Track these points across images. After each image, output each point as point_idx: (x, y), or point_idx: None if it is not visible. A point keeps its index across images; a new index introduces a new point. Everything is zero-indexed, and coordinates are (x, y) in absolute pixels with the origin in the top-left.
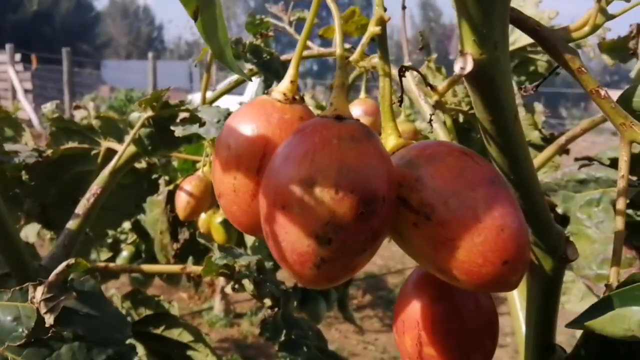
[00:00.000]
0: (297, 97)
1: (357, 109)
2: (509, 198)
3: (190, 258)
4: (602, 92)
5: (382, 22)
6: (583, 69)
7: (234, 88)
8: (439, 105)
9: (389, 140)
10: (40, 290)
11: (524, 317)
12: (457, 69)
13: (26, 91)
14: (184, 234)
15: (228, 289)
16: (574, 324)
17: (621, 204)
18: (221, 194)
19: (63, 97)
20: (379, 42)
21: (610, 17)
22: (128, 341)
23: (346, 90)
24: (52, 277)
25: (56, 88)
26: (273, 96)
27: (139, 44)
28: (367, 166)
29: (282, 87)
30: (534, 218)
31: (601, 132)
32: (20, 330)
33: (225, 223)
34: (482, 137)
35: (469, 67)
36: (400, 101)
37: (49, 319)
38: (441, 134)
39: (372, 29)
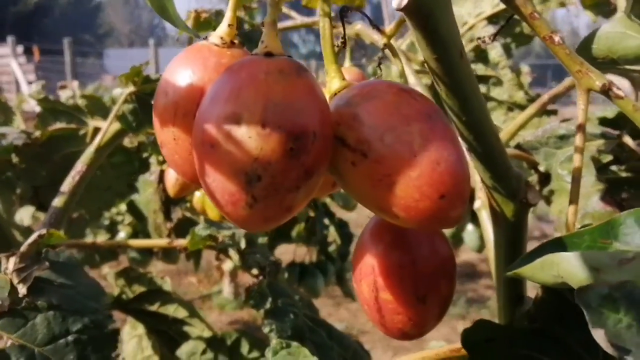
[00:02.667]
0: (235, 41)
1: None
2: (447, 132)
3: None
4: (556, 39)
5: None
6: (535, 14)
7: None
8: (388, 48)
9: (333, 83)
10: (12, 260)
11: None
12: (394, 3)
13: (30, 83)
14: (178, 213)
15: (226, 266)
16: (507, 270)
17: (579, 141)
18: (162, 143)
19: (58, 84)
20: None
21: None
22: (107, 312)
23: (277, 28)
24: (23, 247)
25: (59, 79)
26: (210, 40)
27: (140, 31)
28: (296, 101)
29: (219, 32)
30: (490, 161)
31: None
32: None
33: None
34: (431, 76)
35: (405, 0)
36: (343, 44)
37: (22, 289)
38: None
39: None
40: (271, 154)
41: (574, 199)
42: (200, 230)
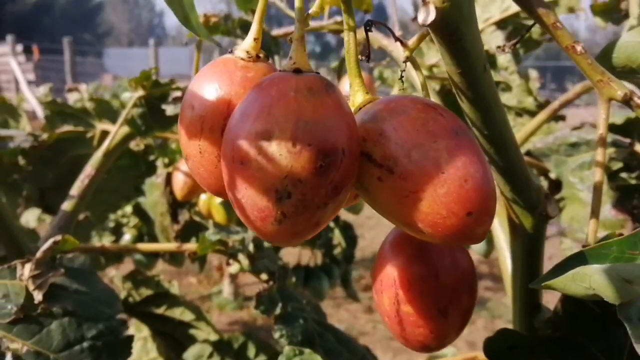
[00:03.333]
0: (260, 55)
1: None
2: (473, 148)
3: (193, 239)
4: (579, 48)
5: None
6: (558, 24)
7: None
8: (410, 61)
9: (357, 97)
10: (28, 267)
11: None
12: (420, 19)
13: (29, 82)
14: (185, 216)
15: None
16: (536, 283)
17: (600, 157)
18: (188, 156)
19: (66, 86)
20: None
21: None
22: (119, 316)
23: (305, 44)
24: (39, 254)
25: (59, 78)
26: (236, 54)
27: (140, 31)
28: (325, 118)
29: (245, 45)
30: (511, 174)
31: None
32: (10, 307)
33: (226, 203)
34: (454, 90)
35: (432, 16)
36: (368, 58)
37: (38, 296)
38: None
39: None
40: (301, 172)
41: (595, 211)
42: (211, 235)
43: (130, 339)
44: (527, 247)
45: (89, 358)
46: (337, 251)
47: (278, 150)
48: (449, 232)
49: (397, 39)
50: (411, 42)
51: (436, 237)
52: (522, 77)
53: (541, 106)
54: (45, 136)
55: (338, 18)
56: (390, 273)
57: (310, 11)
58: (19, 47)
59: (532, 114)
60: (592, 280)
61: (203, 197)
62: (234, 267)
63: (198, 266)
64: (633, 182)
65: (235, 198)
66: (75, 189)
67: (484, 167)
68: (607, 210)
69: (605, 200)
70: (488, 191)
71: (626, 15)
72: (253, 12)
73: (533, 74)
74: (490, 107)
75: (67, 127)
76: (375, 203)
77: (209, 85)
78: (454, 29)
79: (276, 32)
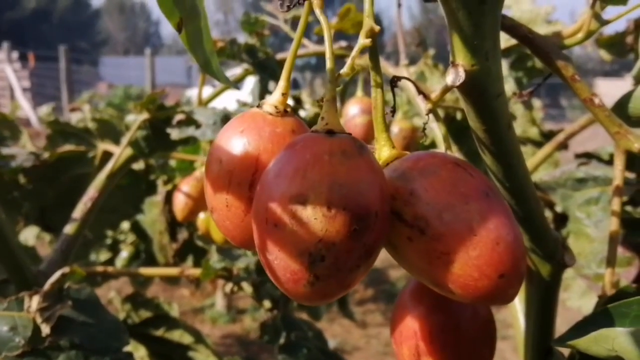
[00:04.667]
0: (288, 109)
1: (354, 108)
2: (504, 210)
3: (191, 258)
4: (596, 101)
5: (372, 34)
6: (577, 76)
7: (222, 93)
8: (433, 113)
9: (383, 152)
10: (36, 299)
11: (524, 320)
12: (449, 80)
13: (24, 90)
14: (183, 234)
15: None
16: (560, 341)
17: (616, 206)
18: (214, 208)
19: (61, 94)
20: (370, 54)
21: (605, 22)
22: (125, 348)
23: (336, 105)
24: (47, 286)
25: (54, 86)
26: (264, 109)
27: (136, 40)
28: (359, 182)
29: (273, 100)
30: (530, 225)
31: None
32: (17, 340)
33: None
34: (477, 145)
35: (461, 77)
36: (393, 112)
37: (46, 329)
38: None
39: (363, 41)
40: (336, 235)
41: (611, 261)
42: (215, 263)
43: None
44: (543, 294)
45: None
46: None
47: (313, 214)
48: (480, 293)
49: (420, 92)
50: (434, 95)
51: (467, 298)
52: (526, 108)
53: (545, 136)
54: (46, 155)
55: (342, 43)
56: (411, 324)
57: (341, 72)
58: (15, 54)
59: (536, 143)
60: (615, 343)
61: (202, 216)
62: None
63: (197, 283)
64: (638, 216)
65: (266, 259)
66: (78, 212)
67: (515, 229)
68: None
69: None
70: (519, 253)
71: (631, 49)
72: (257, 34)
73: (537, 103)
74: (513, 162)
75: (68, 147)
76: (404, 262)
77: (237, 140)
78: (482, 90)
79: (281, 56)
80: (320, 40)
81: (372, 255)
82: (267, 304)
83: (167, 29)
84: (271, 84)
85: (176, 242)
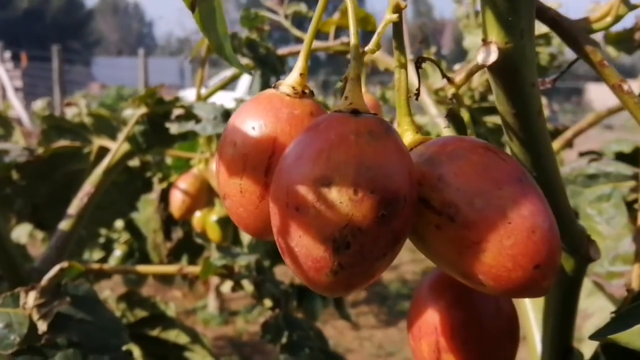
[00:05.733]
0: (307, 91)
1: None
2: (539, 197)
3: (185, 257)
4: (625, 87)
5: (398, 9)
6: (605, 62)
7: (229, 84)
8: (456, 98)
9: (406, 136)
10: (32, 295)
11: (536, 319)
12: (479, 59)
13: (16, 89)
14: (178, 233)
15: (224, 288)
16: (599, 335)
17: None
18: (226, 195)
19: (53, 95)
20: (395, 31)
21: (633, 7)
22: (124, 347)
23: (361, 83)
24: (44, 281)
25: (46, 86)
26: (281, 90)
27: (129, 40)
28: (388, 164)
29: (291, 80)
30: (557, 217)
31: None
32: (12, 337)
33: (221, 221)
34: (504, 131)
35: (494, 56)
36: (417, 94)
37: (42, 326)
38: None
39: (389, 16)
40: (362, 220)
41: (639, 254)
42: (216, 260)
43: None
44: (565, 289)
45: None
46: None
47: (338, 197)
48: (513, 285)
49: (444, 75)
50: (458, 79)
51: (498, 290)
52: None
53: (551, 134)
54: (40, 151)
55: (345, 39)
56: (431, 319)
57: (366, 48)
58: (7, 54)
59: None
60: None
61: (198, 214)
62: (225, 286)
63: (191, 284)
64: None
65: (287, 245)
66: (74, 208)
67: (551, 217)
68: (627, 244)
69: (625, 233)
70: (555, 243)
71: (639, 46)
72: (257, 29)
73: (542, 101)
74: (542, 151)
75: (63, 142)
76: (430, 251)
77: (254, 122)
78: (514, 71)
79: (282, 51)
80: (321, 37)
81: (399, 242)
82: (268, 302)
83: (161, 30)
84: (273, 80)
85: (170, 241)
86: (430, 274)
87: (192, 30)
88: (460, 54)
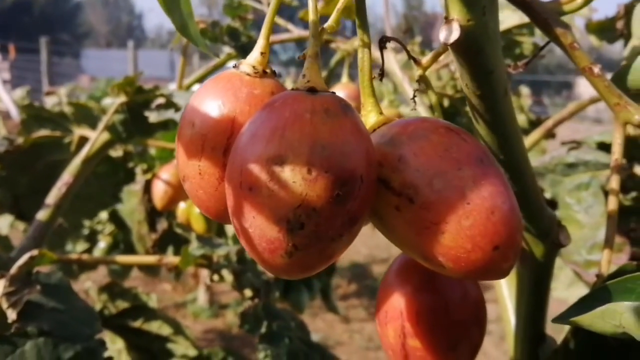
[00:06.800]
0: (267, 70)
1: (340, 94)
2: (500, 178)
3: (171, 248)
4: (596, 70)
5: None
6: (575, 44)
7: (212, 73)
8: (423, 80)
9: (370, 117)
10: (1, 284)
11: (513, 306)
12: (442, 37)
13: (4, 81)
14: (163, 224)
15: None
16: (561, 318)
17: (614, 184)
18: (186, 177)
19: (42, 87)
20: (357, 9)
21: None
22: (97, 336)
23: (319, 61)
24: (14, 269)
25: (35, 78)
26: (241, 69)
27: (119, 33)
28: (344, 143)
29: (251, 60)
30: (525, 201)
31: (583, 119)
32: None
33: None
34: (470, 113)
35: (455, 34)
36: (381, 75)
37: (12, 314)
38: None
39: None
40: (317, 200)
41: (609, 240)
42: (194, 249)
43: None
44: (536, 275)
45: None
46: None
47: (292, 176)
48: (472, 267)
49: (411, 57)
50: (425, 60)
51: (458, 272)
52: (514, 94)
53: (533, 123)
54: (20, 140)
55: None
56: (397, 304)
57: (325, 26)
58: None
59: (524, 131)
60: (622, 318)
61: (182, 205)
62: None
63: (177, 276)
64: (627, 203)
65: (241, 227)
66: (52, 197)
67: (511, 199)
68: (605, 232)
69: (603, 222)
70: (516, 224)
71: (622, 35)
72: (240, 18)
73: (524, 90)
74: (509, 133)
75: (43, 132)
76: (390, 233)
77: (212, 102)
78: (478, 49)
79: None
80: (305, 26)
81: (356, 224)
82: (248, 292)
83: (151, 22)
84: None
85: (155, 232)
86: (397, 259)
87: None
88: None
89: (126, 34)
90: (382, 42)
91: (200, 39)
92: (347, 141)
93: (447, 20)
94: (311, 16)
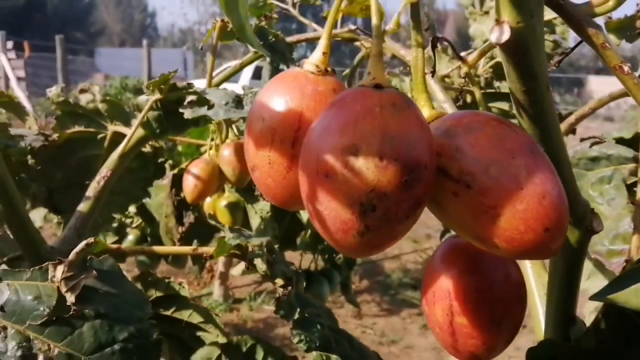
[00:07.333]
0: (328, 69)
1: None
2: (548, 166)
3: (195, 242)
4: (625, 68)
5: None
6: (607, 44)
7: (239, 71)
8: (468, 77)
9: (424, 111)
10: (60, 269)
11: (538, 293)
12: (493, 38)
13: (19, 79)
14: (189, 217)
15: (234, 271)
16: (598, 296)
17: None
18: (255, 166)
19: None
20: (412, 12)
21: None
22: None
23: (383, 60)
24: (72, 256)
25: (49, 76)
26: (305, 68)
27: (132, 31)
28: (410, 134)
29: (314, 59)
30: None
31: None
32: (42, 309)
33: (230, 206)
34: (514, 108)
35: (506, 35)
36: (433, 72)
37: (70, 298)
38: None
39: None
40: (387, 186)
41: (638, 227)
42: (230, 239)
43: (160, 341)
44: (569, 260)
45: None
46: (338, 256)
47: (365, 164)
48: (524, 247)
49: (457, 55)
50: (470, 58)
51: (511, 252)
52: None
53: None
54: (55, 136)
55: (352, 26)
56: (444, 285)
57: (386, 28)
58: (10, 44)
59: None
60: None
61: (208, 199)
62: (236, 270)
63: (188, 268)
64: None
65: (316, 210)
66: (92, 190)
67: (559, 185)
68: (627, 224)
69: (624, 214)
70: (563, 208)
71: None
72: (266, 17)
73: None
74: (549, 125)
75: (78, 128)
76: (448, 218)
77: (280, 98)
78: (525, 49)
79: (290, 38)
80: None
81: (419, 207)
82: (279, 281)
83: (163, 21)
84: (282, 67)
85: (182, 225)
86: (442, 244)
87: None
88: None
89: (139, 33)
90: (434, 43)
91: (255, 39)
92: (412, 132)
93: (498, 22)
94: (374, 20)
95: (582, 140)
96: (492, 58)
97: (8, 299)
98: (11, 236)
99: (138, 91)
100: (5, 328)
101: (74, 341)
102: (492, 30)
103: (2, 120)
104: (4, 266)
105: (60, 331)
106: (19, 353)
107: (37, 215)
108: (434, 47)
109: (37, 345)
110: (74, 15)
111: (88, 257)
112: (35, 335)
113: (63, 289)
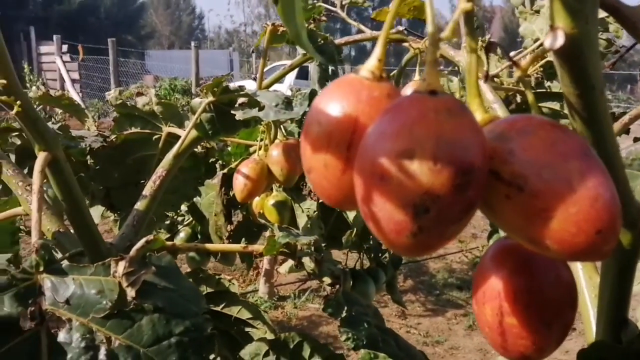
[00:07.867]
0: (383, 75)
1: (408, 90)
2: (601, 170)
3: (243, 240)
4: None
5: None
6: None
7: (288, 73)
8: (522, 81)
9: (476, 115)
10: (122, 265)
11: (589, 296)
12: (547, 44)
13: (74, 81)
14: (237, 216)
15: (282, 269)
16: None
17: None
18: (311, 168)
19: (109, 86)
20: (466, 19)
21: None
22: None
23: (438, 66)
24: (133, 252)
25: (102, 78)
26: (361, 74)
27: (180, 33)
28: (464, 138)
29: (369, 65)
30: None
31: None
32: (104, 302)
33: (278, 205)
34: (568, 111)
35: (560, 41)
36: (486, 77)
37: (131, 292)
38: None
39: (463, 5)
40: (440, 188)
41: None
42: (280, 238)
43: (213, 335)
44: (621, 262)
45: (175, 353)
46: (384, 255)
47: (419, 167)
48: (576, 249)
49: (510, 59)
50: (524, 63)
51: (562, 254)
52: None
53: None
54: (113, 137)
55: (399, 27)
56: (494, 285)
57: (441, 35)
58: (65, 47)
59: None
60: None
61: (257, 198)
62: (283, 267)
63: (249, 266)
64: None
65: (370, 210)
66: (148, 189)
67: (612, 188)
68: None
69: None
70: (616, 211)
71: None
72: (314, 20)
73: None
74: (603, 129)
75: (134, 129)
76: (499, 220)
77: (337, 104)
78: (579, 54)
79: (338, 41)
80: (375, 27)
81: (472, 209)
82: (327, 280)
83: (210, 22)
84: (330, 69)
85: (231, 224)
86: (493, 245)
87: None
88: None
89: (187, 35)
90: (488, 47)
91: (310, 46)
92: (466, 137)
93: (553, 28)
94: (430, 28)
95: (635, 140)
96: (542, 57)
97: (73, 292)
98: (72, 232)
99: (186, 92)
100: (70, 320)
101: (134, 334)
102: (546, 36)
103: (58, 120)
104: (66, 261)
105: (121, 324)
106: (82, 344)
107: (95, 213)
108: (487, 53)
109: (99, 337)
110: (125, 18)
111: (147, 254)
112: (98, 328)
113: (124, 284)
